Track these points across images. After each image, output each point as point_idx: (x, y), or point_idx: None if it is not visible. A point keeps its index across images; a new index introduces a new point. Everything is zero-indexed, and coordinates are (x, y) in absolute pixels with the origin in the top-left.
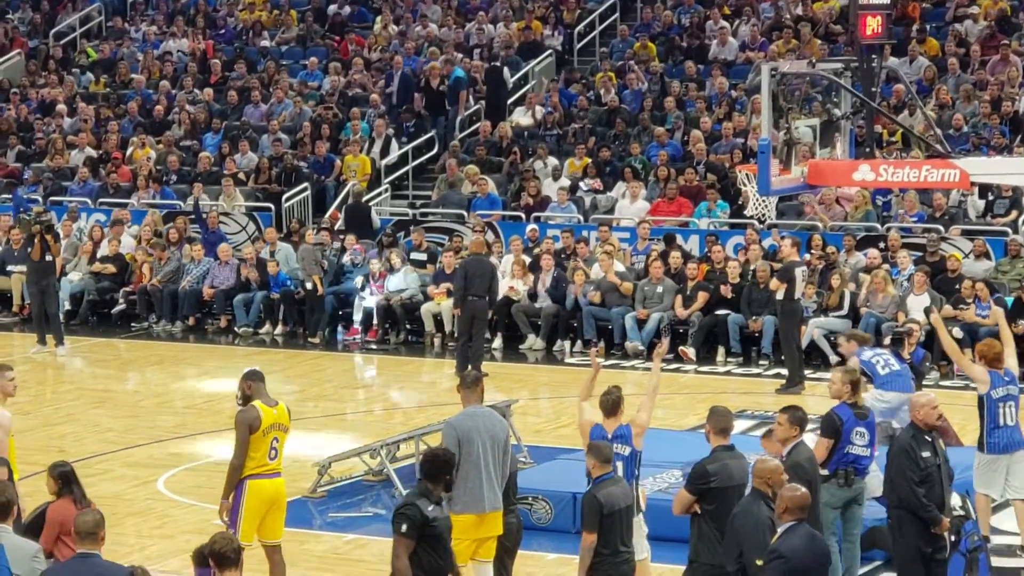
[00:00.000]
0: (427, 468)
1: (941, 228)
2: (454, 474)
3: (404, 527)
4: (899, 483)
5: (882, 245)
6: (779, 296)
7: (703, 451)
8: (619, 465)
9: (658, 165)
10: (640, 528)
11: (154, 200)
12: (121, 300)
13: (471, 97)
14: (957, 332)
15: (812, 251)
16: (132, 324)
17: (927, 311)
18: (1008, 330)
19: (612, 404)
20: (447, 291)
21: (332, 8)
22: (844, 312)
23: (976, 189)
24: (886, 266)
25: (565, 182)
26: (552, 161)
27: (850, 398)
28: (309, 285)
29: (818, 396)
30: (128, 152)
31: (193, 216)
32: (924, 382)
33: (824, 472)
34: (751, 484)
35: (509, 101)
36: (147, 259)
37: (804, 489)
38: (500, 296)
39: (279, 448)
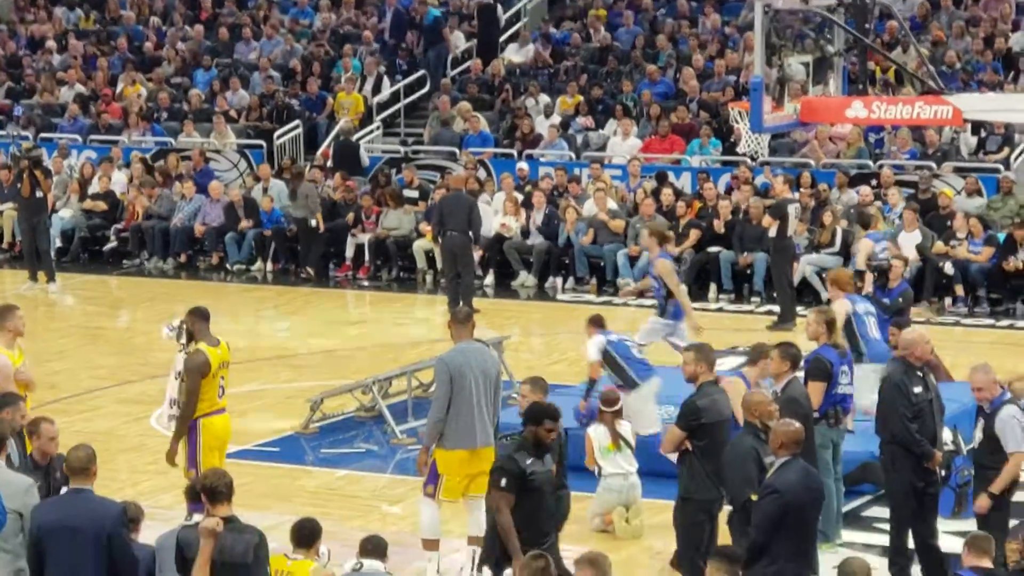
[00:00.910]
0: (528, 414)
1: (933, 165)
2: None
3: (503, 481)
4: (892, 419)
5: (874, 182)
6: (771, 233)
7: (691, 387)
8: None
9: (644, 103)
10: None
11: (144, 137)
12: (112, 237)
13: (460, 33)
14: (949, 268)
15: (802, 188)
16: (124, 261)
17: None
18: None
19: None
20: None
21: None
22: (836, 249)
23: (968, 126)
24: (878, 203)
25: (556, 119)
26: (544, 99)
27: (828, 338)
28: (313, 222)
29: None
30: (118, 89)
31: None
32: (916, 319)
33: (815, 415)
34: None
35: (501, 39)
36: (138, 196)
37: (798, 424)
38: (492, 233)
39: (225, 386)
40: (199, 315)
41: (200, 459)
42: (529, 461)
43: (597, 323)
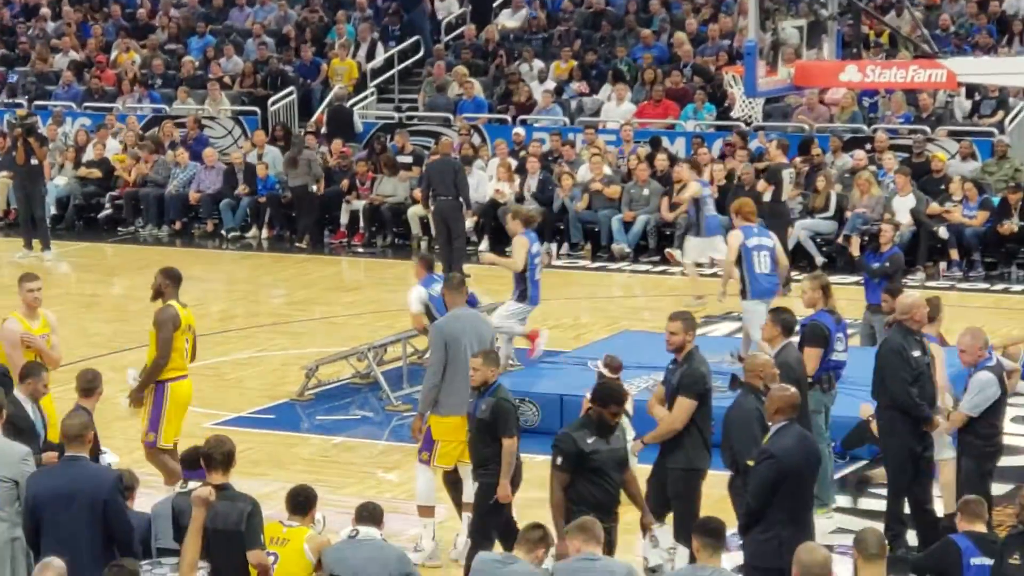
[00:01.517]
0: (596, 394)
1: (928, 129)
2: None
3: (558, 460)
4: (892, 383)
5: (869, 146)
6: (766, 198)
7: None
8: None
9: (643, 68)
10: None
11: (140, 104)
12: (107, 204)
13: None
14: (943, 232)
15: (814, 152)
16: (119, 228)
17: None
18: None
19: None
20: None
21: None
22: (830, 214)
23: (963, 90)
24: (872, 167)
25: (550, 84)
26: (538, 64)
27: (824, 304)
28: (314, 187)
29: None
30: (112, 56)
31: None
32: (911, 284)
33: (808, 380)
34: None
35: (495, 4)
36: (134, 163)
37: (793, 389)
38: (487, 199)
39: (190, 350)
40: (171, 276)
41: (163, 423)
42: (591, 440)
43: (426, 264)
